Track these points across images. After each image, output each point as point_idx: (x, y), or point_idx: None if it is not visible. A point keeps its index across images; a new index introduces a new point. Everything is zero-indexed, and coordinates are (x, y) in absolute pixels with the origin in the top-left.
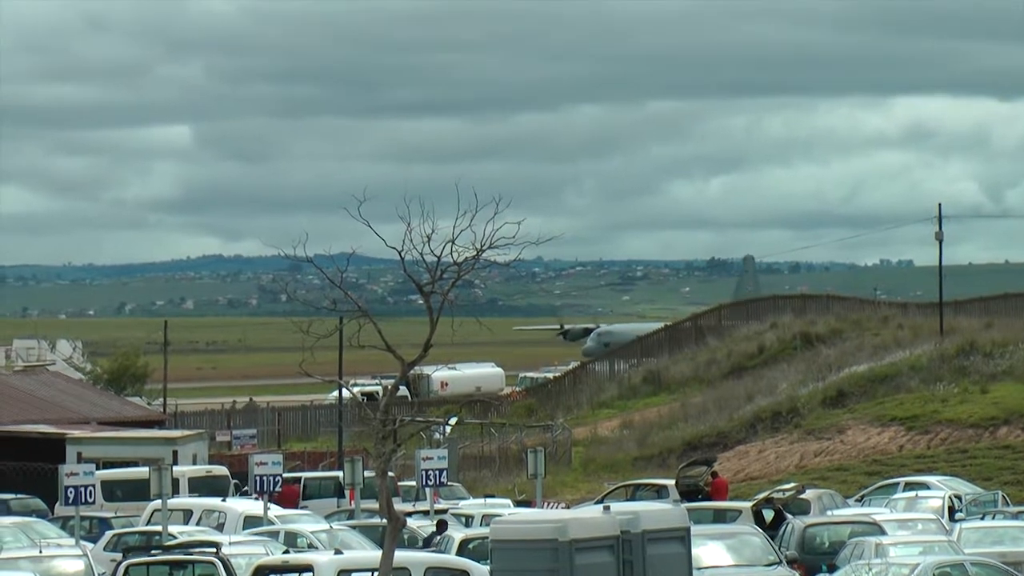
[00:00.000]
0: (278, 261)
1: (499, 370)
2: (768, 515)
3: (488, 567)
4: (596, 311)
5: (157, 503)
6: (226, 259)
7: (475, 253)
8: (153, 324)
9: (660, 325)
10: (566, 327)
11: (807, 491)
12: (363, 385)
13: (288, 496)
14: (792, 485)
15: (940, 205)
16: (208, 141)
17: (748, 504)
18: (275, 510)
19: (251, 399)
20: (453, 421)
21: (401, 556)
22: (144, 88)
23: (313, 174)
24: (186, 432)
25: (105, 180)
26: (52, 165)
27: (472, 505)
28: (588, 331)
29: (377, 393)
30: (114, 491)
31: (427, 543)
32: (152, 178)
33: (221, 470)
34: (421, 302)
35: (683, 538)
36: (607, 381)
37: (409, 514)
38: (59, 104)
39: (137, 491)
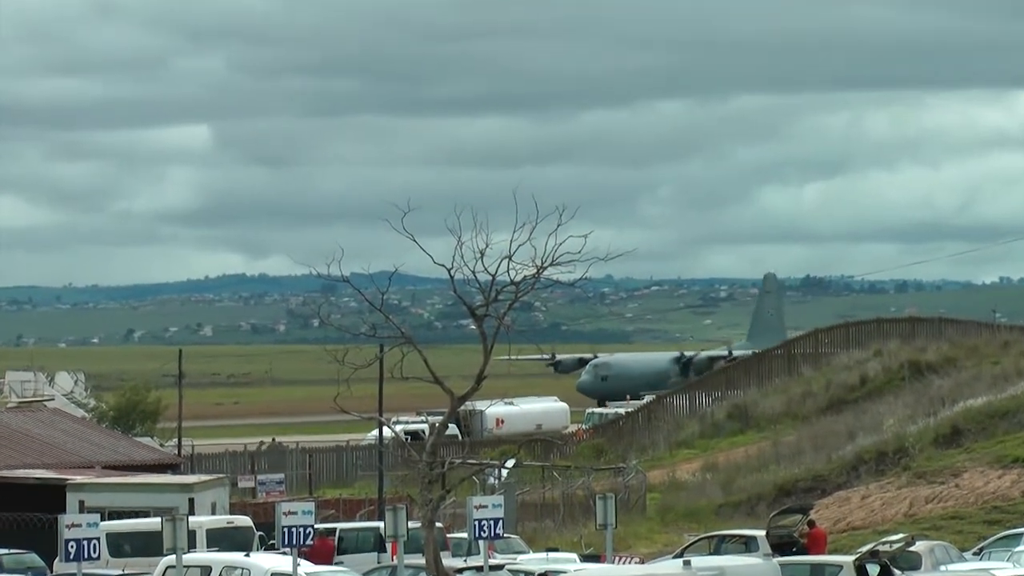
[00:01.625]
0: (309, 281)
1: (563, 405)
2: (873, 571)
3: None
4: (674, 336)
5: (171, 559)
6: (249, 279)
7: (535, 271)
8: (166, 354)
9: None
10: (558, 357)
11: (917, 543)
12: (407, 423)
13: (321, 551)
14: (900, 536)
15: None
16: (230, 143)
17: (850, 558)
18: (306, 566)
19: (275, 440)
20: (510, 464)
21: None
22: (158, 83)
23: (349, 181)
24: (204, 477)
25: (112, 188)
26: (52, 171)
27: (533, 560)
28: (583, 362)
29: (423, 432)
30: (121, 545)
31: None
32: (166, 186)
33: (244, 521)
34: (473, 327)
35: None
36: (686, 417)
37: (460, 571)
38: (60, 101)
39: (148, 545)
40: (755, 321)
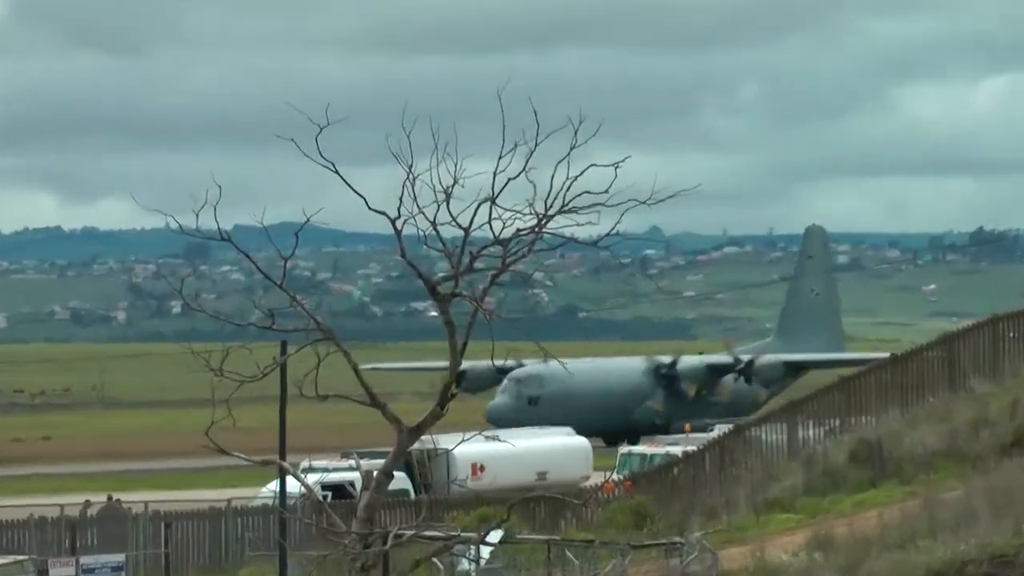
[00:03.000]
0: (165, 239)
1: (580, 441)
2: None
3: None
4: (762, 327)
5: None
6: (68, 235)
7: (535, 221)
8: None
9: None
10: (464, 366)
11: None
12: (326, 470)
13: None
14: None
15: None
16: (34, 16)
17: None
18: None
19: (112, 498)
20: (495, 537)
21: None
22: None
23: (230, 75)
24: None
25: None
26: None
27: None
28: (502, 373)
29: (351, 485)
30: None
31: None
32: None
33: None
34: (434, 313)
35: None
36: (784, 460)
37: None
38: None
39: None
40: (788, 306)
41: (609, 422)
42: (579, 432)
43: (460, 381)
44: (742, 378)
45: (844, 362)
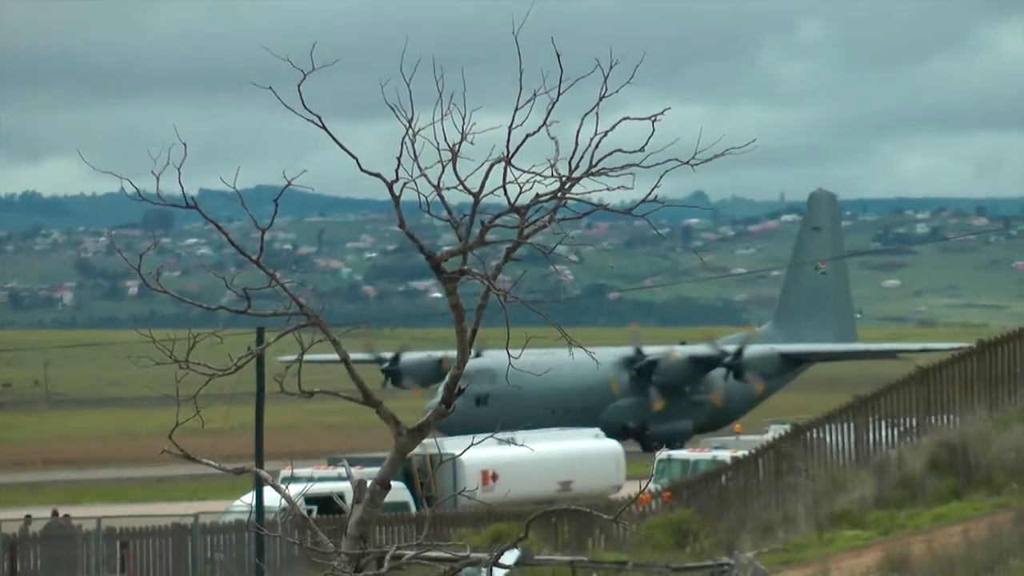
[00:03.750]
0: (120, 206)
1: (611, 445)
2: None
3: None
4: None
5: None
6: (5, 202)
7: (558, 185)
8: None
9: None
10: (387, 357)
11: None
12: (310, 480)
13: None
14: None
15: None
16: None
17: None
18: None
19: (58, 513)
20: (511, 559)
21: None
22: None
23: (192, 11)
24: None
25: None
26: None
27: None
28: (441, 367)
29: (340, 497)
30: None
31: None
32: None
33: None
34: (438, 294)
35: None
36: (850, 468)
37: None
38: None
39: None
40: (787, 287)
41: (571, 425)
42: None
43: (398, 374)
44: (731, 374)
45: (856, 354)
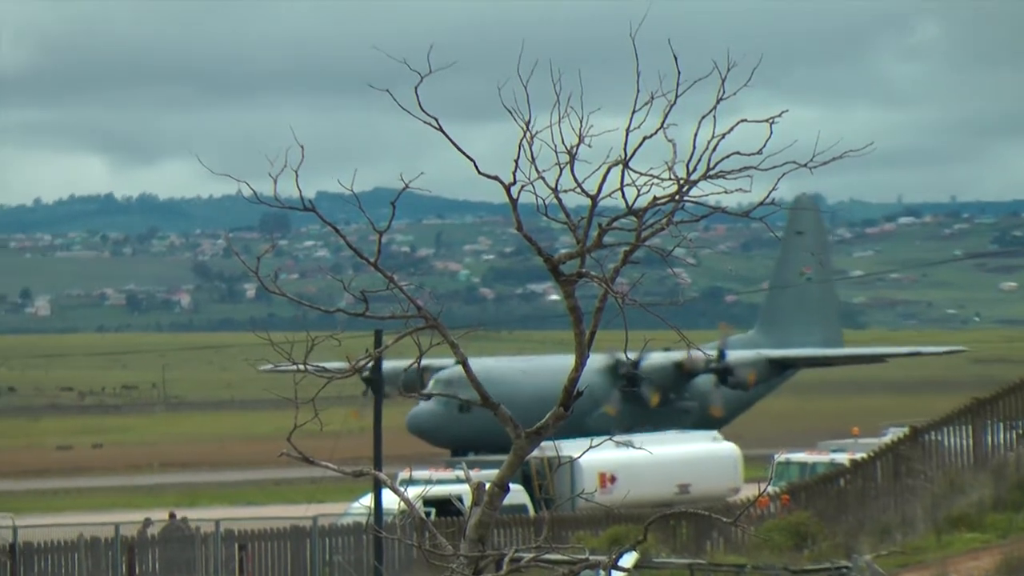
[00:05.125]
0: (238, 208)
1: (728, 448)
2: None
3: None
4: (946, 316)
5: None
6: (122, 204)
7: (676, 187)
8: None
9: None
10: (365, 368)
11: None
12: (429, 483)
13: None
14: None
15: None
16: None
17: None
18: None
19: (174, 516)
20: (629, 561)
21: None
22: None
23: (309, 13)
24: None
25: None
26: None
27: None
28: (424, 376)
29: (459, 499)
30: None
31: None
32: None
33: None
34: (555, 297)
35: None
36: (969, 470)
37: None
38: None
39: None
40: (771, 293)
41: (558, 432)
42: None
43: (378, 383)
44: (716, 379)
45: (842, 359)
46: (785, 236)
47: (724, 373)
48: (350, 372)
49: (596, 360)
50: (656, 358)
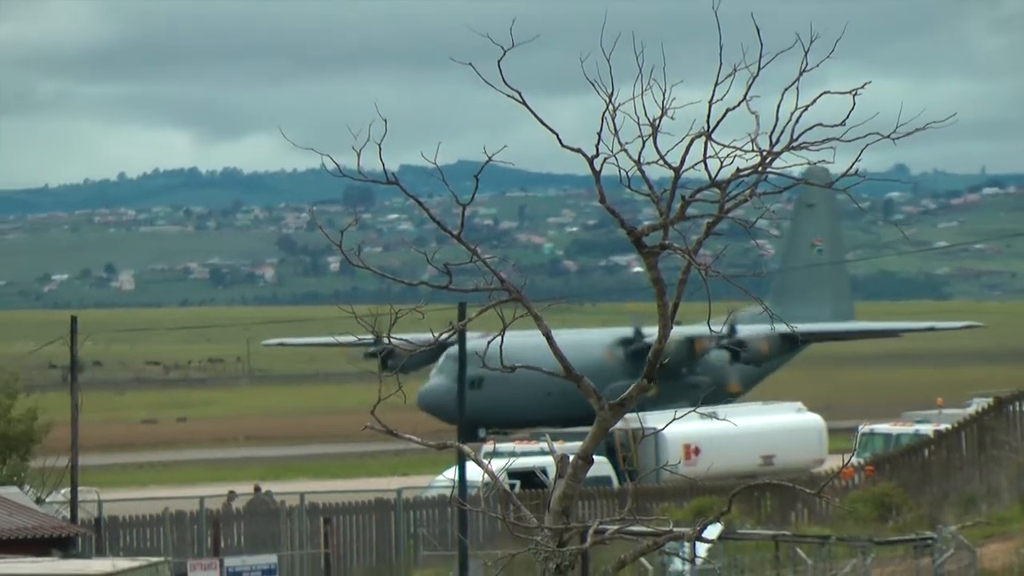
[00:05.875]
0: (321, 182)
1: (812, 419)
2: None
3: None
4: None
5: None
6: (205, 177)
7: (759, 159)
8: (47, 323)
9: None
10: (372, 343)
11: None
12: (512, 454)
13: None
14: None
15: None
16: None
17: None
18: None
19: (259, 489)
20: (713, 533)
21: None
22: None
23: None
24: (127, 564)
25: None
26: None
27: None
28: (438, 348)
29: (542, 472)
30: None
31: None
32: (38, 6)
33: None
34: (638, 269)
35: None
36: None
37: None
38: None
39: None
40: (783, 266)
41: (567, 408)
42: (530, 422)
43: (387, 357)
44: (728, 354)
45: (854, 333)
46: (795, 209)
47: (736, 348)
48: (434, 344)
49: (605, 335)
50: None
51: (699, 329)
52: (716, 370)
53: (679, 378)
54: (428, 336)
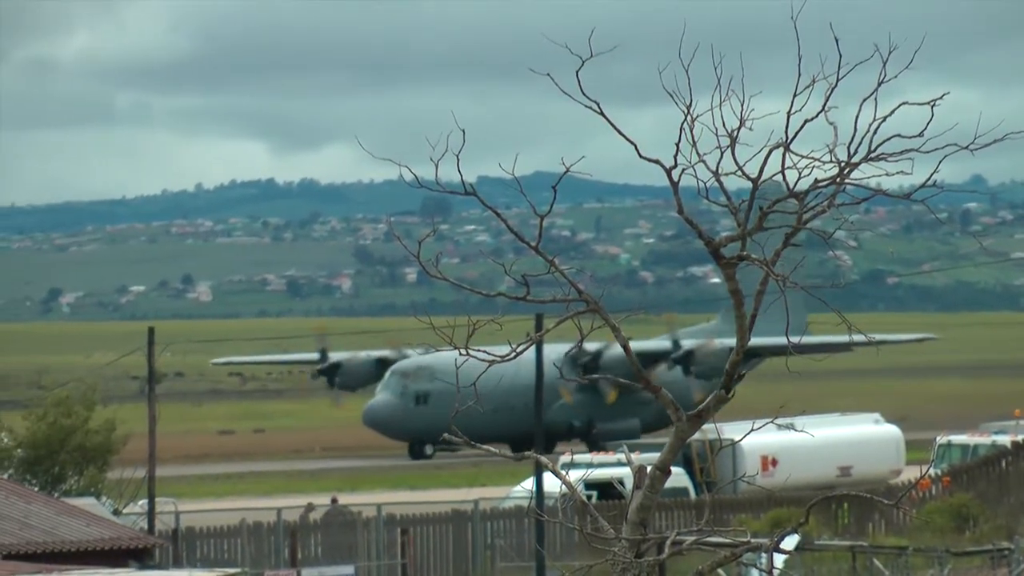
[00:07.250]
0: (398, 193)
1: (890, 430)
2: None
3: None
4: None
5: None
6: (282, 188)
7: (837, 171)
8: (125, 334)
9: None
10: (329, 358)
11: None
12: (589, 466)
13: None
14: None
15: None
16: None
17: None
18: None
19: (336, 501)
20: (791, 544)
21: None
22: None
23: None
24: (207, 575)
25: (22, 24)
26: None
27: None
28: (383, 365)
29: (620, 483)
30: None
31: None
32: (112, 15)
33: None
34: (716, 280)
35: None
36: None
37: None
38: None
39: None
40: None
41: (516, 424)
42: (478, 438)
43: (334, 374)
44: (679, 368)
45: (808, 347)
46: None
47: (685, 363)
48: (511, 356)
49: (556, 351)
50: (616, 350)
51: (648, 344)
52: (668, 385)
53: (630, 393)
54: (506, 348)
